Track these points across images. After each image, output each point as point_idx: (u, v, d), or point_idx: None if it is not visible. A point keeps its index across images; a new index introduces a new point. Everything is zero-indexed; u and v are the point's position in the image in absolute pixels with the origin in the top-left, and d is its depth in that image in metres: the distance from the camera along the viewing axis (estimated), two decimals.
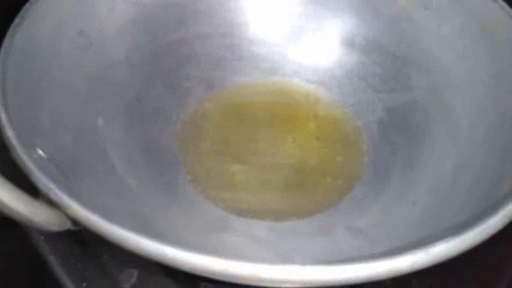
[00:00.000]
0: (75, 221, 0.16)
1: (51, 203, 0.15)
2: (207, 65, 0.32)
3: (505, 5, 0.26)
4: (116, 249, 0.28)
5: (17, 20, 0.22)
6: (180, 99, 0.31)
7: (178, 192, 0.27)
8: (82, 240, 0.28)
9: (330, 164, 0.29)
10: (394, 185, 0.26)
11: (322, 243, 0.24)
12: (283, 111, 0.32)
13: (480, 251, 0.16)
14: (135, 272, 0.26)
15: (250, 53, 0.33)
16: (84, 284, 0.26)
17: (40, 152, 0.19)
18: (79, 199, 0.15)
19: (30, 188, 0.18)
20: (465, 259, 0.16)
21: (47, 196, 0.15)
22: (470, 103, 0.25)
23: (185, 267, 0.14)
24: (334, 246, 0.24)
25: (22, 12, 0.23)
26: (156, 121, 0.29)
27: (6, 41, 0.21)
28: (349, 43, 0.32)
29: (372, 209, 0.25)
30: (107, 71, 0.28)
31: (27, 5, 0.23)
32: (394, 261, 0.14)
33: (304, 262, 0.13)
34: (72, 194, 0.15)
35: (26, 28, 0.22)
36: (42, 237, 0.27)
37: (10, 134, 0.17)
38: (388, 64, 0.30)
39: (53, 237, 0.27)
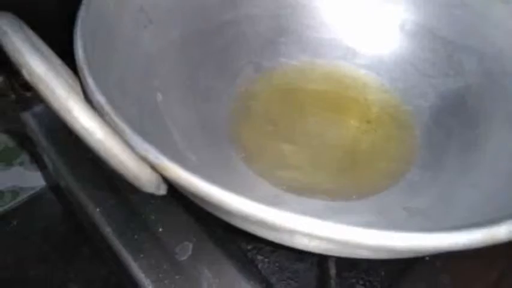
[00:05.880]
0: (170, 184, 0.16)
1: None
2: (255, 47, 0.33)
3: None
4: (170, 222, 0.28)
5: None
6: (230, 79, 0.31)
7: (232, 168, 0.27)
8: (137, 213, 0.28)
9: (383, 147, 0.29)
10: (452, 167, 0.26)
11: (379, 222, 0.24)
12: (331, 95, 0.32)
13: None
14: (191, 245, 0.27)
15: (298, 36, 0.33)
16: (142, 255, 0.26)
17: None
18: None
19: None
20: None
21: (145, 158, 0.15)
22: None
23: (303, 233, 0.14)
24: (392, 225, 0.24)
25: None
26: (208, 100, 0.29)
27: (82, 10, 0.21)
28: (400, 28, 0.32)
29: (430, 191, 0.25)
30: (163, 48, 0.28)
31: None
32: (494, 229, 0.14)
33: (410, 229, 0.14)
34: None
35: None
36: (98, 209, 0.28)
37: (100, 99, 0.17)
38: (440, 49, 0.30)
39: (109, 209, 0.28)
